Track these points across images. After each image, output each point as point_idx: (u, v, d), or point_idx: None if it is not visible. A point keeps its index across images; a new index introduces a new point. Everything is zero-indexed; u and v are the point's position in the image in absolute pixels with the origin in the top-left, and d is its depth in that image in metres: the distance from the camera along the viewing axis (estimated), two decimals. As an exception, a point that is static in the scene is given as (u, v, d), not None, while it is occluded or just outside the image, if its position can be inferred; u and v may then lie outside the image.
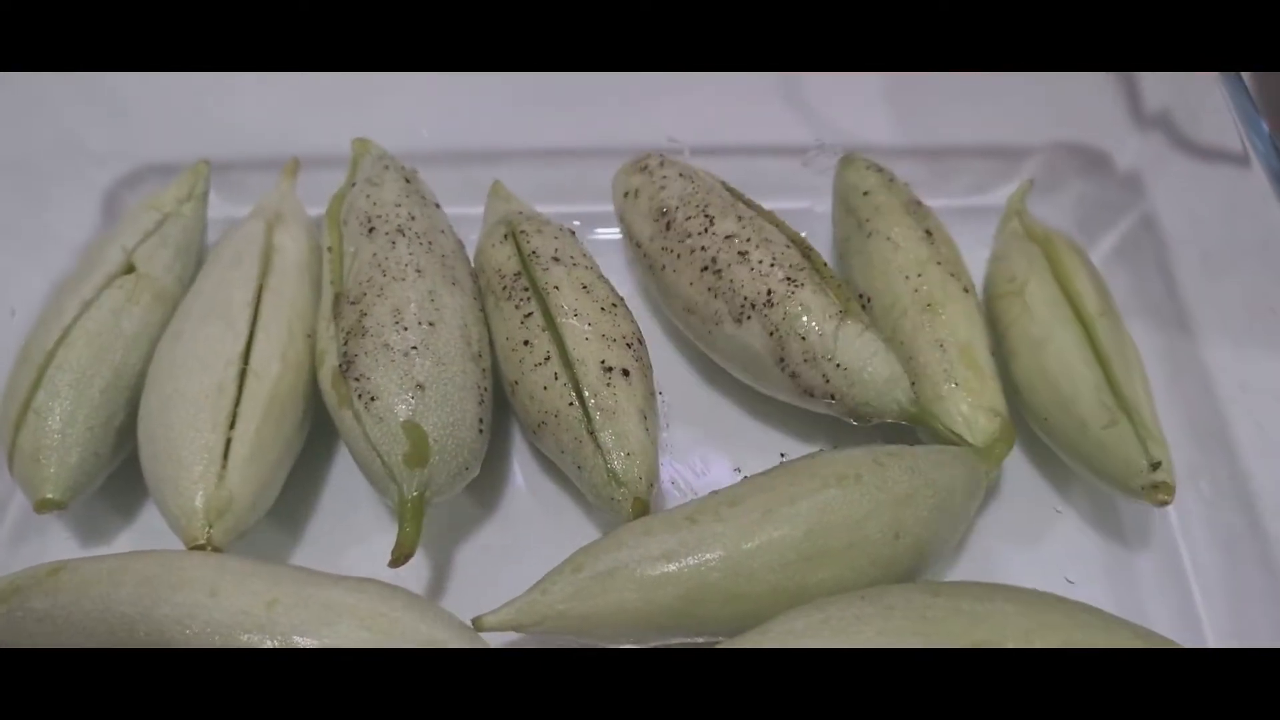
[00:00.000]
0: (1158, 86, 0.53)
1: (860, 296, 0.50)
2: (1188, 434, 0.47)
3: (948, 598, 0.37)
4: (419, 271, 0.46)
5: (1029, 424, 0.48)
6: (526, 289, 0.47)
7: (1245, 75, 0.48)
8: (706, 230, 0.48)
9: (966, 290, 0.49)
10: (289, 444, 0.45)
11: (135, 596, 0.36)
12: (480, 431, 0.43)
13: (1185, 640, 0.43)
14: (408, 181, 0.52)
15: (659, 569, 0.38)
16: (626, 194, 0.53)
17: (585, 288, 0.47)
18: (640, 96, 0.56)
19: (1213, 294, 0.49)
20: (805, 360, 0.44)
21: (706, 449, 0.50)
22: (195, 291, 0.48)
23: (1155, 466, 0.42)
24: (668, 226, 0.49)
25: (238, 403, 0.43)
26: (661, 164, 0.52)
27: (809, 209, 0.58)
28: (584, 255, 0.50)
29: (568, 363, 0.44)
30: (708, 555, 0.38)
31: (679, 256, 0.48)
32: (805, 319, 0.44)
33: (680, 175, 0.51)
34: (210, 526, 0.40)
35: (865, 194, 0.52)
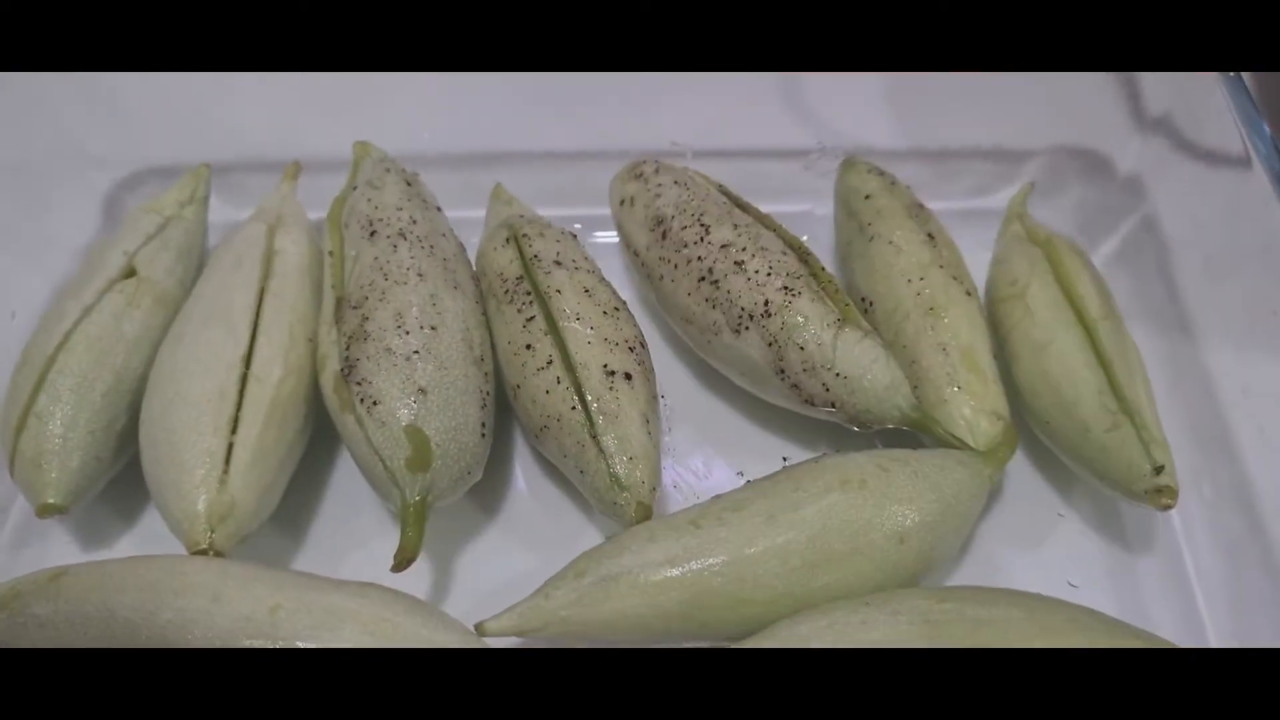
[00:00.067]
0: (1159, 89, 0.53)
1: (862, 300, 0.50)
2: (1189, 437, 0.47)
3: (952, 602, 0.37)
4: (421, 275, 0.46)
5: (1031, 428, 0.48)
6: (528, 293, 0.47)
7: (1246, 77, 0.48)
8: (702, 239, 0.48)
9: (969, 294, 0.49)
10: (291, 448, 0.45)
11: (137, 602, 0.36)
12: (482, 436, 0.43)
13: (1188, 644, 0.43)
14: (409, 184, 0.52)
15: (662, 574, 0.38)
16: (622, 202, 0.53)
17: (587, 291, 0.47)
18: (641, 99, 0.56)
19: (1214, 297, 0.49)
20: (805, 370, 0.44)
21: (709, 452, 0.50)
22: (196, 295, 0.48)
23: (1158, 470, 0.42)
24: (664, 236, 0.49)
25: (239, 407, 0.43)
26: (657, 170, 0.52)
27: (810, 211, 0.58)
28: (586, 259, 0.50)
29: (570, 367, 0.44)
30: (711, 560, 0.38)
31: (676, 266, 0.48)
32: (803, 329, 0.44)
33: (675, 183, 0.51)
34: (212, 531, 0.40)
35: (867, 197, 0.52)
